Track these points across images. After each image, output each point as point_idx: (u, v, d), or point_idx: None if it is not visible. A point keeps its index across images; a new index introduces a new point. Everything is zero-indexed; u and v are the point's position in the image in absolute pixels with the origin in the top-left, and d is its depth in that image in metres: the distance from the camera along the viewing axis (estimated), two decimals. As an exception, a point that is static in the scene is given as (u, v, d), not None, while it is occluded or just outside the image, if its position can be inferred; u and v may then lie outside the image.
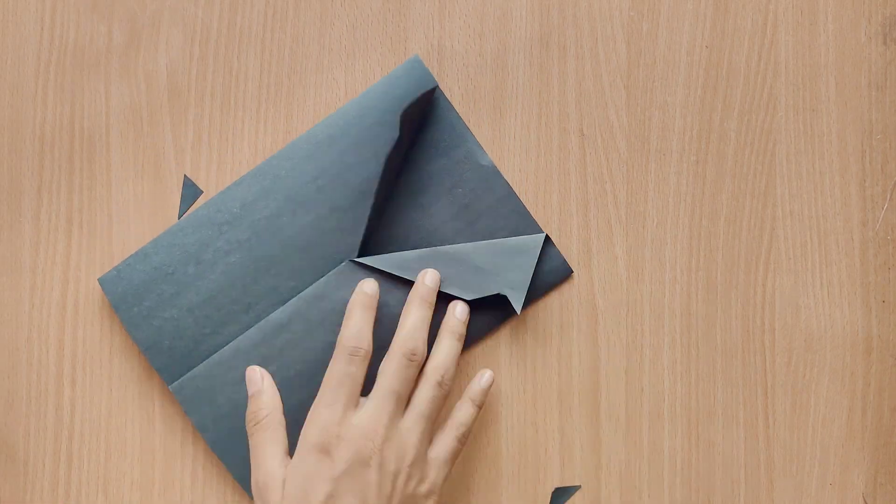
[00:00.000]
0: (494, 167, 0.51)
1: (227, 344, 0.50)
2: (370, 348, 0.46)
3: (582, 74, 0.52)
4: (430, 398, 0.46)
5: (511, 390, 0.51)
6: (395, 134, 0.50)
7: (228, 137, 0.52)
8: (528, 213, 0.51)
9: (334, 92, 0.52)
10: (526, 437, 0.51)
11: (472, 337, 0.51)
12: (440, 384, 0.46)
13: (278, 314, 0.50)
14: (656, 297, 0.51)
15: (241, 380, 0.49)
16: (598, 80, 0.52)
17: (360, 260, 0.50)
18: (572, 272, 0.51)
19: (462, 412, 0.48)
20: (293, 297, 0.50)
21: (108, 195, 0.51)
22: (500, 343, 0.51)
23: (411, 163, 0.51)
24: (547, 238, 0.51)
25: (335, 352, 0.46)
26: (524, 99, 0.52)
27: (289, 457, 0.46)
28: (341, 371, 0.45)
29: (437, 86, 0.51)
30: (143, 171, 0.52)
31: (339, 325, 0.48)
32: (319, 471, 0.44)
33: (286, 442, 0.46)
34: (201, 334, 0.50)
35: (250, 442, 0.47)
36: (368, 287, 0.48)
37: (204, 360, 0.50)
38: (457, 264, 0.50)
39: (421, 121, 0.51)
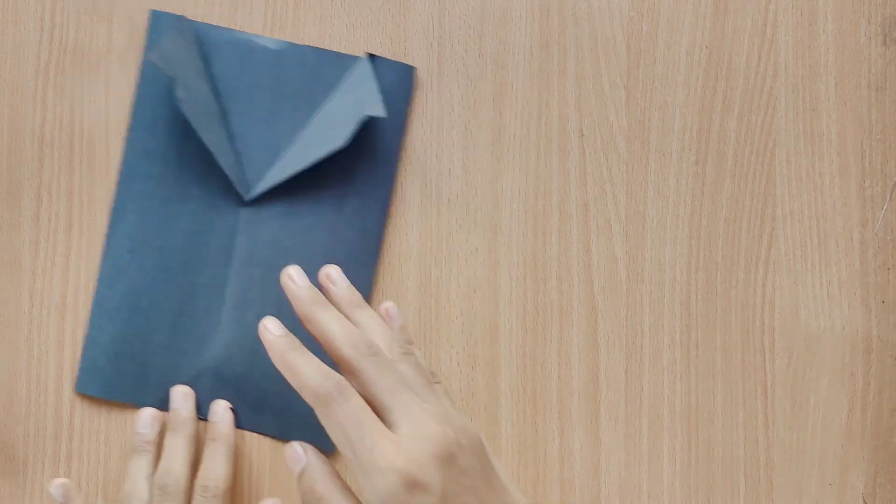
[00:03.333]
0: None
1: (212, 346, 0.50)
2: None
3: (582, 75, 0.52)
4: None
5: (511, 390, 0.51)
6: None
7: (228, 137, 0.52)
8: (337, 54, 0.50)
9: (334, 92, 0.52)
10: (526, 437, 0.51)
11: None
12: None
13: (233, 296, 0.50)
14: (656, 297, 0.51)
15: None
16: (598, 81, 0.52)
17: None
18: (414, 68, 0.51)
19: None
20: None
21: (108, 195, 0.51)
22: (500, 343, 0.51)
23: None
24: (371, 56, 0.50)
25: None
26: (524, 99, 0.52)
27: None
28: None
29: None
30: (143, 171, 0.52)
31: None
32: None
33: None
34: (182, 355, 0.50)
35: None
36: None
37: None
38: (304, 143, 0.49)
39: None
